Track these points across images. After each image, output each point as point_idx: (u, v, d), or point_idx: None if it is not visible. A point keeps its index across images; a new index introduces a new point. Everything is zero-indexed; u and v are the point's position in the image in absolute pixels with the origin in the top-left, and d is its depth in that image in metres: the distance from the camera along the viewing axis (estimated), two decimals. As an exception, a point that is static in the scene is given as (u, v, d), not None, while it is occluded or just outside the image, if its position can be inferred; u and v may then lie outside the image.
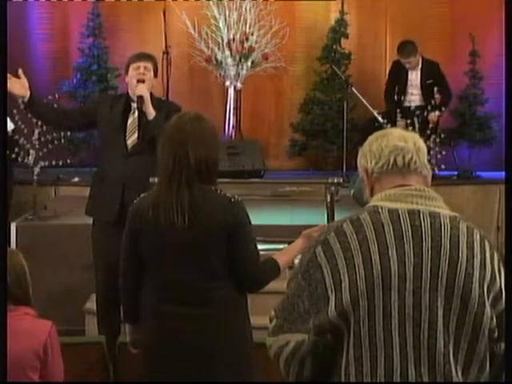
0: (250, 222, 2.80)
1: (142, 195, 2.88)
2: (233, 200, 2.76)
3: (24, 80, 4.26)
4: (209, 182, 2.77)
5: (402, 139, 2.04)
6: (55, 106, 4.69)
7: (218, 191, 2.78)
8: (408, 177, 2.03)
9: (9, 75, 4.12)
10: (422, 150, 2.06)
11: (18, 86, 4.24)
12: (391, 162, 2.02)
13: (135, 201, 2.87)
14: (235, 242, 2.74)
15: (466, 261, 1.92)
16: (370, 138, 2.10)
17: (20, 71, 4.25)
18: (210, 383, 2.79)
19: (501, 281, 1.97)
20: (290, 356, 1.98)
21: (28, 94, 4.27)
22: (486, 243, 1.98)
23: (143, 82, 4.24)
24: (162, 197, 2.73)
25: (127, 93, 4.36)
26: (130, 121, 4.30)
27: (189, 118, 2.80)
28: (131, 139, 4.29)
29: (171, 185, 2.73)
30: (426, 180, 2.06)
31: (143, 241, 2.79)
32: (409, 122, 6.76)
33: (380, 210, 1.97)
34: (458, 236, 1.95)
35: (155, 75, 4.39)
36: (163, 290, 2.78)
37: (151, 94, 4.35)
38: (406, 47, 7.21)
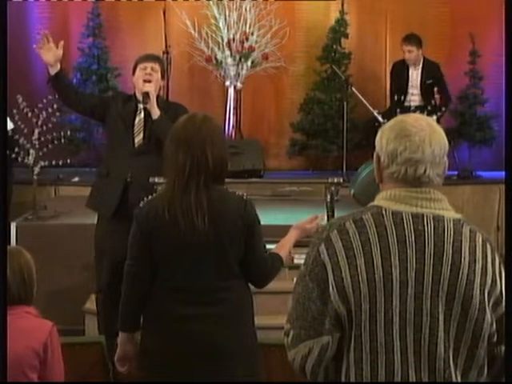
0: (259, 221, 2.83)
1: (149, 197, 2.83)
2: (245, 198, 2.79)
3: (58, 51, 4.27)
4: (221, 181, 2.78)
5: (420, 148, 1.94)
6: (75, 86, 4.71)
7: (230, 190, 2.80)
8: (416, 185, 1.98)
9: (45, 39, 4.19)
10: (440, 156, 1.97)
11: (51, 55, 4.26)
12: (402, 172, 1.97)
13: (142, 203, 2.81)
14: (250, 239, 2.76)
15: (468, 267, 1.92)
16: (393, 131, 1.98)
17: (61, 43, 4.27)
18: (222, 383, 2.77)
19: (501, 285, 1.97)
20: (317, 363, 1.95)
21: (58, 66, 4.28)
22: (488, 247, 1.98)
23: (149, 82, 4.27)
24: (178, 198, 2.71)
25: (134, 93, 4.39)
26: (136, 121, 4.34)
27: (201, 119, 2.78)
28: (137, 139, 4.34)
29: (188, 186, 2.70)
30: (436, 187, 2.00)
31: (158, 243, 2.74)
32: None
33: (384, 212, 1.96)
34: (461, 241, 1.94)
35: (162, 77, 4.41)
36: (178, 292, 2.75)
37: (158, 96, 4.37)
38: (411, 36, 7.26)
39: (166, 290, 2.77)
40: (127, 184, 4.28)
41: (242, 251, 2.76)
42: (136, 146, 4.33)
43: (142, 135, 4.33)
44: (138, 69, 4.33)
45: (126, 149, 4.32)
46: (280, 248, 3.00)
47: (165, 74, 4.50)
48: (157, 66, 4.34)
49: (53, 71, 4.30)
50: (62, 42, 4.28)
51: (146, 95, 4.25)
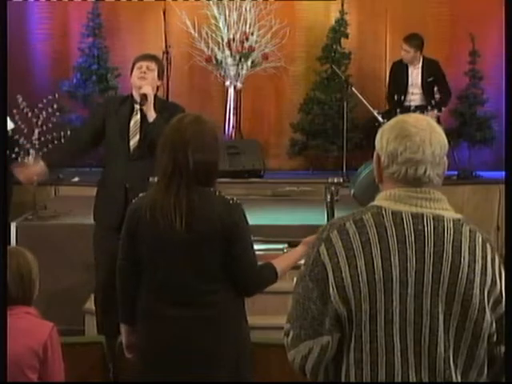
0: (247, 225, 2.79)
1: (140, 195, 2.87)
2: (231, 202, 2.75)
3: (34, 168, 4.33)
4: (207, 184, 2.76)
5: (420, 149, 1.94)
6: (66, 142, 4.57)
7: (217, 193, 2.78)
8: (416, 185, 1.98)
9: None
10: (440, 157, 1.97)
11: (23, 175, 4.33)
12: (402, 172, 1.97)
13: (134, 200, 2.87)
14: (232, 244, 2.73)
15: (468, 266, 1.92)
16: (393, 131, 1.98)
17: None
18: (214, 383, 2.78)
19: (501, 284, 1.97)
20: (317, 363, 1.95)
21: (44, 170, 4.29)
22: (488, 246, 1.98)
23: (144, 79, 4.24)
24: (160, 199, 2.73)
25: (131, 94, 4.37)
26: (132, 122, 4.30)
27: (189, 121, 2.78)
28: (133, 141, 4.28)
29: (169, 187, 2.72)
30: (436, 188, 2.00)
31: (140, 242, 2.78)
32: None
33: (383, 212, 1.96)
34: (461, 241, 1.94)
35: (160, 77, 4.38)
36: (160, 292, 2.77)
37: (156, 96, 4.35)
38: (411, 36, 7.26)
39: (149, 289, 2.80)
40: (127, 190, 4.24)
41: (223, 255, 2.73)
42: (132, 148, 4.26)
43: (137, 137, 4.27)
44: (134, 68, 4.33)
45: (122, 153, 4.26)
46: (280, 260, 2.94)
47: (162, 74, 4.46)
48: (153, 65, 4.32)
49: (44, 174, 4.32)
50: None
51: (144, 97, 4.23)
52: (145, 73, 4.27)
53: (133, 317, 2.88)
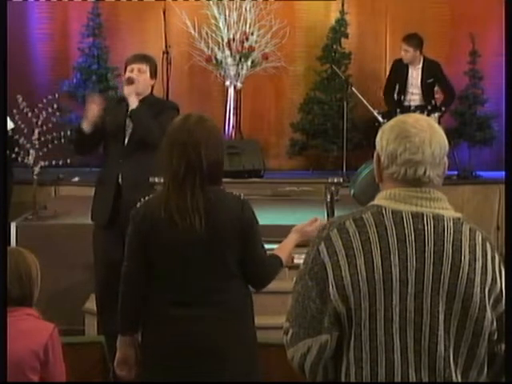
0: (257, 220, 2.81)
1: (146, 198, 2.82)
2: (241, 199, 2.77)
3: None
4: (217, 182, 2.77)
5: (420, 149, 1.94)
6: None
7: (226, 191, 2.80)
8: (416, 185, 1.98)
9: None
10: (440, 157, 1.97)
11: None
12: (401, 173, 1.97)
13: (139, 204, 2.81)
14: (246, 240, 2.75)
15: (468, 265, 1.92)
16: (393, 132, 1.98)
17: None
18: (216, 383, 2.77)
19: (501, 283, 1.97)
20: (316, 361, 1.95)
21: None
22: (488, 245, 1.98)
23: (132, 83, 4.25)
24: (174, 200, 2.70)
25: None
26: (127, 121, 4.31)
27: (196, 121, 2.76)
28: (127, 138, 4.31)
29: (183, 188, 2.69)
30: (436, 187, 2.00)
31: (154, 244, 2.74)
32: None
33: (384, 212, 1.96)
34: (461, 240, 1.94)
35: (152, 76, 4.39)
36: (176, 293, 2.74)
37: (151, 95, 4.36)
38: (411, 36, 7.25)
39: (163, 291, 2.76)
40: (119, 187, 4.26)
41: (240, 251, 2.74)
42: (125, 145, 4.31)
43: (130, 133, 4.30)
44: (126, 71, 4.35)
45: (117, 150, 4.30)
46: (280, 251, 2.98)
47: (155, 72, 4.47)
48: (144, 67, 4.33)
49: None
50: None
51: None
52: (137, 75, 4.30)
53: (136, 325, 2.85)
